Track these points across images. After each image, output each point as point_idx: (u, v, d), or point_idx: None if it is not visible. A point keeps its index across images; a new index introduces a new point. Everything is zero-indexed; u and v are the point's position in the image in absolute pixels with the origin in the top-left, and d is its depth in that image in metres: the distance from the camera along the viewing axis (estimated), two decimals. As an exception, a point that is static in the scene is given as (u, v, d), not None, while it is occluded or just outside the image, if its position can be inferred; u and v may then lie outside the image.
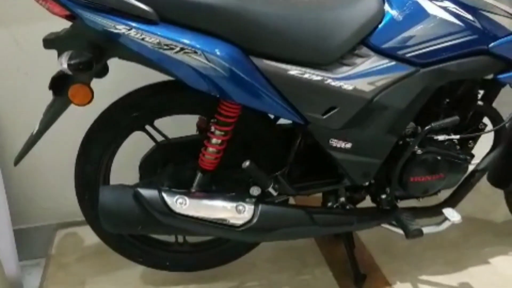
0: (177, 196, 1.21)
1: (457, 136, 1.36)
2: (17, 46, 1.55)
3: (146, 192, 1.20)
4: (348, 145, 1.26)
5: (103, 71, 1.24)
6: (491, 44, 1.22)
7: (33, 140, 1.23)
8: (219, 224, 1.23)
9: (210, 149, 1.28)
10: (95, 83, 1.18)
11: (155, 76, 1.21)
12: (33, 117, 1.25)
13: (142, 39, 1.07)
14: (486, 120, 1.44)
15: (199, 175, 1.30)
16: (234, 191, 1.31)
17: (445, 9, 1.19)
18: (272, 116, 1.36)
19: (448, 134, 1.35)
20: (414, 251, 1.66)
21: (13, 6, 1.49)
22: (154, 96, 1.29)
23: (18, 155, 1.26)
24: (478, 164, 1.46)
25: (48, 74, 1.18)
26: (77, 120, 1.30)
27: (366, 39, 1.20)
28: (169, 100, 1.29)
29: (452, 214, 1.35)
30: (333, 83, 1.18)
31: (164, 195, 1.20)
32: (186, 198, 1.21)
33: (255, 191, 1.29)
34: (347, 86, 1.19)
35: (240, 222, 1.24)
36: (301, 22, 1.16)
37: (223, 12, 1.09)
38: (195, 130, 1.42)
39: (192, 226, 1.23)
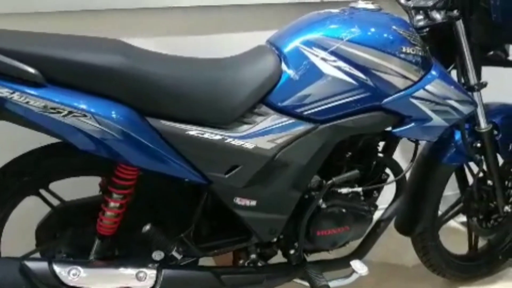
0: (70, 267, 1.12)
1: (360, 189, 1.39)
2: None
3: (34, 265, 1.10)
4: (253, 203, 1.25)
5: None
6: (384, 101, 1.28)
7: None
8: (118, 295, 1.15)
9: (108, 213, 1.22)
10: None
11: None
12: None
13: (27, 102, 1.01)
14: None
15: (97, 241, 1.23)
16: (139, 255, 1.25)
17: (339, 68, 1.23)
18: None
19: (352, 187, 1.38)
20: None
21: None
22: (47, 159, 1.22)
23: None
24: (383, 214, 1.50)
25: None
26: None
27: (265, 98, 1.22)
28: (64, 162, 1.22)
29: (359, 267, 1.36)
30: (233, 142, 1.18)
31: (55, 266, 1.11)
32: (80, 268, 1.13)
33: (157, 255, 1.23)
34: (248, 144, 1.19)
35: (141, 290, 1.17)
36: (197, 82, 1.15)
37: (114, 74, 1.06)
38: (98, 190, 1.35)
39: (87, 299, 1.15)
